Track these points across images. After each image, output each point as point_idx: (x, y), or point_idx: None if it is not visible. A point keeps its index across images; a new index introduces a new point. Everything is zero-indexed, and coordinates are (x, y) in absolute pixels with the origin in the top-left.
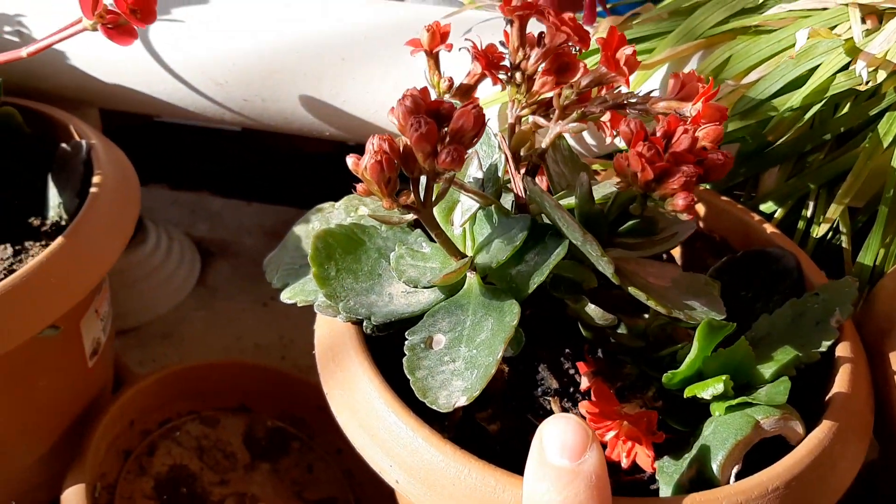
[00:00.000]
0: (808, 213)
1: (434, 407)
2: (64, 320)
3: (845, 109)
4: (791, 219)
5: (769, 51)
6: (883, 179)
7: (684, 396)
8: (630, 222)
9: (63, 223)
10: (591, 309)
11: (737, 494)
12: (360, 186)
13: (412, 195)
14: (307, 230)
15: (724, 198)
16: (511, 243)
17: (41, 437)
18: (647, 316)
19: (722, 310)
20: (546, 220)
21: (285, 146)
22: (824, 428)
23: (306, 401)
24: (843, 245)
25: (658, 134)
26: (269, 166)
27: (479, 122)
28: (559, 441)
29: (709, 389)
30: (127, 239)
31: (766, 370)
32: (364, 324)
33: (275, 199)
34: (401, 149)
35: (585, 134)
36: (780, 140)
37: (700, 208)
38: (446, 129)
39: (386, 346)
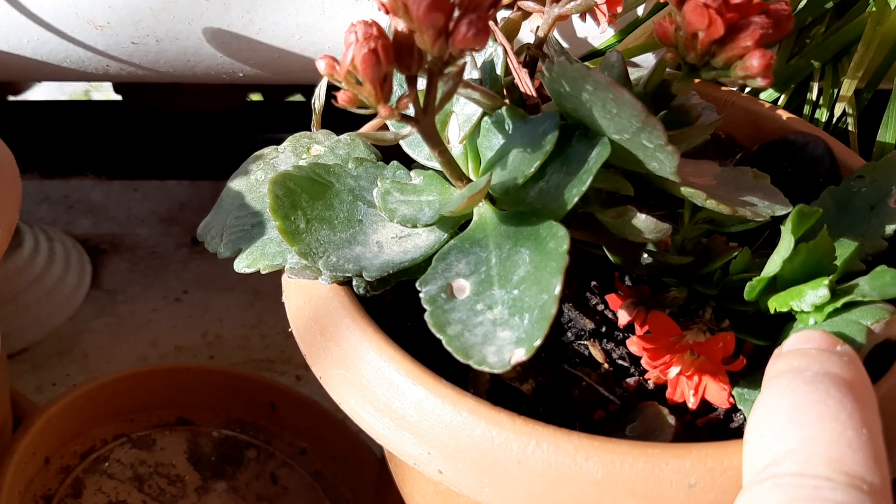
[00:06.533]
0: (813, 97)
1: (484, 368)
2: None
3: None
4: (793, 105)
5: None
6: (890, 46)
7: (771, 311)
8: (661, 112)
9: None
10: (641, 221)
11: None
12: (342, 95)
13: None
14: (248, 183)
15: (724, 88)
16: (539, 150)
17: None
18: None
19: (785, 200)
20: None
21: (179, 105)
22: None
23: (255, 401)
24: (850, 128)
25: None
26: (157, 136)
27: None
28: (799, 339)
29: (807, 297)
30: (11, 228)
31: None
32: (354, 283)
33: (166, 174)
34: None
35: (559, 36)
36: None
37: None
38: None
39: (374, 308)
